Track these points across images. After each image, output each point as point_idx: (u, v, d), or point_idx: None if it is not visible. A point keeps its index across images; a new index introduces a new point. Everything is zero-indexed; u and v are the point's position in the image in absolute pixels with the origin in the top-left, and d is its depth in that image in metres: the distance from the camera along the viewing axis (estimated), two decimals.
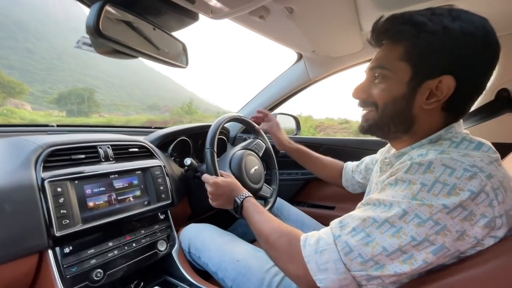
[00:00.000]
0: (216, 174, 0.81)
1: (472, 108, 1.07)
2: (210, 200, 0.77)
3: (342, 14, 0.81)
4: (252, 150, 1.05)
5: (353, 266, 0.42)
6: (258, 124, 1.10)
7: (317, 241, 0.47)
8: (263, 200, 1.02)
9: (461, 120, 0.52)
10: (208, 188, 0.77)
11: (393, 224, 0.40)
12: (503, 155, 0.72)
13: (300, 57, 1.32)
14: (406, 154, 0.51)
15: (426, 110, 0.49)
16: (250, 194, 0.72)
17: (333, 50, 1.13)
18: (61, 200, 0.65)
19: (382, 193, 0.46)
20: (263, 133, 1.13)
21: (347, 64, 1.24)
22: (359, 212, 0.47)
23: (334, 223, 0.48)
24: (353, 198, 0.93)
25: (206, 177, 0.80)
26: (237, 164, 0.95)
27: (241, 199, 0.69)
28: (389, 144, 0.76)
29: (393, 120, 0.51)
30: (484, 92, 1.03)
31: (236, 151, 1.00)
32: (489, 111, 0.97)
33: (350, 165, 0.96)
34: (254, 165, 1.00)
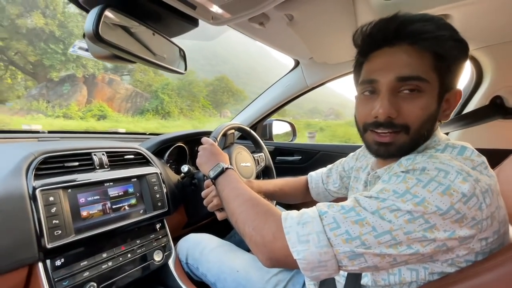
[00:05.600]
0: None
1: (466, 111, 1.10)
2: (198, 158, 0.72)
3: (341, 22, 0.81)
4: (254, 158, 1.07)
5: (337, 242, 0.40)
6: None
7: (301, 214, 0.44)
8: None
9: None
10: (203, 146, 0.74)
11: (383, 216, 0.39)
12: (498, 161, 0.73)
13: (297, 63, 1.32)
14: (395, 163, 0.50)
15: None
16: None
17: (331, 57, 1.14)
18: (53, 209, 0.62)
19: (374, 188, 0.44)
20: (266, 150, 1.14)
21: (344, 71, 1.25)
22: (348, 199, 0.45)
23: (320, 203, 0.46)
24: None
25: (206, 138, 0.79)
26: (227, 152, 0.96)
27: (226, 167, 0.64)
28: (366, 150, 0.69)
29: (424, 139, 0.48)
30: (479, 98, 1.06)
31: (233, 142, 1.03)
32: (482, 115, 0.99)
33: (316, 177, 0.87)
34: (246, 161, 1.02)
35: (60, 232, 0.62)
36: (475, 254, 0.40)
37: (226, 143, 1.03)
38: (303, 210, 0.46)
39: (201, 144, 0.76)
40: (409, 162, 0.45)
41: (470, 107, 1.07)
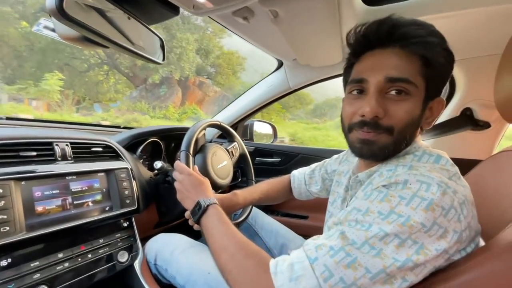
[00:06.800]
0: None
1: (437, 121, 1.15)
2: (178, 193, 0.67)
3: (325, 25, 0.81)
4: (228, 151, 1.02)
5: None
6: None
7: (291, 267, 0.41)
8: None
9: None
10: (179, 177, 0.68)
11: (373, 246, 0.38)
12: (465, 171, 0.76)
13: (280, 64, 1.31)
14: (376, 171, 0.50)
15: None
16: (218, 203, 0.62)
17: (314, 60, 1.14)
18: (1, 203, 0.55)
19: (356, 205, 0.43)
20: (239, 138, 1.10)
21: (327, 75, 1.26)
22: (334, 231, 0.43)
23: (307, 244, 0.43)
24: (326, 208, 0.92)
25: (181, 164, 0.70)
26: (202, 156, 0.90)
27: (207, 203, 0.59)
28: (350, 154, 0.71)
29: (405, 143, 0.47)
30: (450, 110, 1.11)
31: (205, 143, 0.95)
32: (453, 126, 1.04)
33: (299, 177, 0.89)
34: (223, 161, 0.97)
35: (7, 228, 0.55)
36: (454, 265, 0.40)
37: (197, 148, 0.94)
38: (292, 258, 0.42)
39: (178, 141, 0.71)
40: (390, 174, 0.44)
41: (441, 118, 1.12)
